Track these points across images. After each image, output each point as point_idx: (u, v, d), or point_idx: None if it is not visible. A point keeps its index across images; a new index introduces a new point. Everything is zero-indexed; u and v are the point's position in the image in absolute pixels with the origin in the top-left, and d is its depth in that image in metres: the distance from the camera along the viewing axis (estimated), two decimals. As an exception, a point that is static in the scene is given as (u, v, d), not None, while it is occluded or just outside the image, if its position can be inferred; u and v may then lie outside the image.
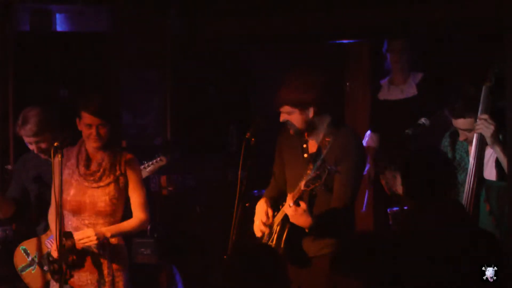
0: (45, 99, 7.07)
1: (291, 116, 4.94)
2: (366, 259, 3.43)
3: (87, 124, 5.11)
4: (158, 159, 6.13)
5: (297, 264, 4.95)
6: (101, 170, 5.17)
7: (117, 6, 7.49)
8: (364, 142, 6.74)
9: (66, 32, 7.47)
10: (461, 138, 5.05)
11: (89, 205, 5.15)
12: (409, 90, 6.80)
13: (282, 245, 4.94)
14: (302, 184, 4.75)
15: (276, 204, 5.17)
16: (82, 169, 5.19)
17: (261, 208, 5.16)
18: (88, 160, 5.21)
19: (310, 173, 4.78)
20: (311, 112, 4.91)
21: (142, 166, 5.97)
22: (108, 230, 5.14)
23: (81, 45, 7.34)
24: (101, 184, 5.16)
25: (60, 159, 4.89)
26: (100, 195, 5.15)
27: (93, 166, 5.19)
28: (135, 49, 7.56)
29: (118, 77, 7.57)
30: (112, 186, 5.17)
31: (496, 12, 5.97)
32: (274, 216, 5.09)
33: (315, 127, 4.98)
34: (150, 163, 6.16)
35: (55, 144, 4.94)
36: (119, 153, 5.24)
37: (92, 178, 5.16)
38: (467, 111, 4.97)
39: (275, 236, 5.01)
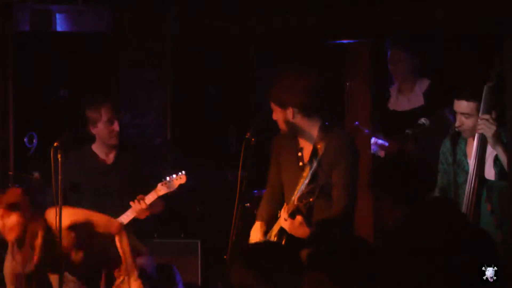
0: (45, 99, 7.09)
1: (276, 114, 4.98)
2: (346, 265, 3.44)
3: None
4: (179, 175, 5.83)
5: None
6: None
7: (117, 6, 7.49)
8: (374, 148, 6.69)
9: (66, 32, 7.47)
10: (458, 123, 5.01)
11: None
12: (416, 100, 6.73)
13: None
14: (296, 199, 4.77)
15: (273, 220, 5.16)
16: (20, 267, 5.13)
17: (255, 235, 5.17)
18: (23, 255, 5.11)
19: (304, 182, 4.80)
20: (290, 113, 4.93)
21: (161, 183, 5.82)
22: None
23: (81, 45, 7.34)
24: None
25: (60, 159, 4.87)
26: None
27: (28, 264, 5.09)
28: (135, 49, 7.55)
29: (118, 77, 7.57)
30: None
31: (496, 12, 5.97)
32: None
33: (302, 131, 4.98)
34: (169, 179, 5.84)
35: (55, 144, 4.92)
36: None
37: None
38: (471, 94, 4.95)
39: None
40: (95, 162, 5.90)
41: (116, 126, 5.80)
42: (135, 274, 5.17)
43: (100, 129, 5.82)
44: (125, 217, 5.68)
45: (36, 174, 6.70)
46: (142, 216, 5.75)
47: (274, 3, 7.09)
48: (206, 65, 7.69)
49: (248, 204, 6.74)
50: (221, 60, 7.78)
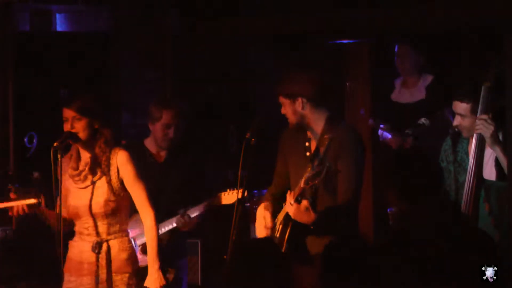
0: (45, 99, 7.08)
1: (285, 108, 5.02)
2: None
3: (65, 119, 5.00)
4: (227, 192, 5.77)
5: (300, 263, 4.96)
6: (86, 168, 5.00)
7: (117, 6, 7.50)
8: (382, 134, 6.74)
9: (66, 32, 7.47)
10: (455, 122, 5.03)
11: (83, 208, 5.00)
12: (418, 94, 6.78)
13: (284, 243, 4.95)
14: (302, 182, 4.79)
15: (279, 202, 5.18)
16: (70, 171, 5.05)
17: (261, 214, 5.19)
18: (78, 161, 5.06)
19: (310, 170, 4.82)
20: (300, 103, 4.96)
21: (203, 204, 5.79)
22: (153, 261, 5.06)
23: (81, 45, 7.34)
24: (87, 183, 5.00)
25: (60, 159, 4.86)
26: (95, 197, 4.99)
27: (81, 166, 5.03)
28: (135, 49, 7.56)
29: (118, 77, 7.57)
30: (102, 185, 5.00)
31: (496, 13, 5.97)
32: (273, 221, 5.12)
33: (310, 123, 5.01)
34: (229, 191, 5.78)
35: (55, 144, 4.91)
36: (108, 150, 5.02)
37: (78, 178, 5.00)
38: (465, 95, 4.96)
39: (277, 235, 5.03)
40: (146, 158, 5.89)
41: (171, 132, 5.82)
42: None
43: (157, 128, 5.85)
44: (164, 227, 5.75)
45: (36, 174, 6.71)
46: (186, 228, 5.82)
47: (274, 3, 7.09)
48: (206, 66, 7.69)
49: (248, 204, 6.74)
50: (221, 60, 7.78)
